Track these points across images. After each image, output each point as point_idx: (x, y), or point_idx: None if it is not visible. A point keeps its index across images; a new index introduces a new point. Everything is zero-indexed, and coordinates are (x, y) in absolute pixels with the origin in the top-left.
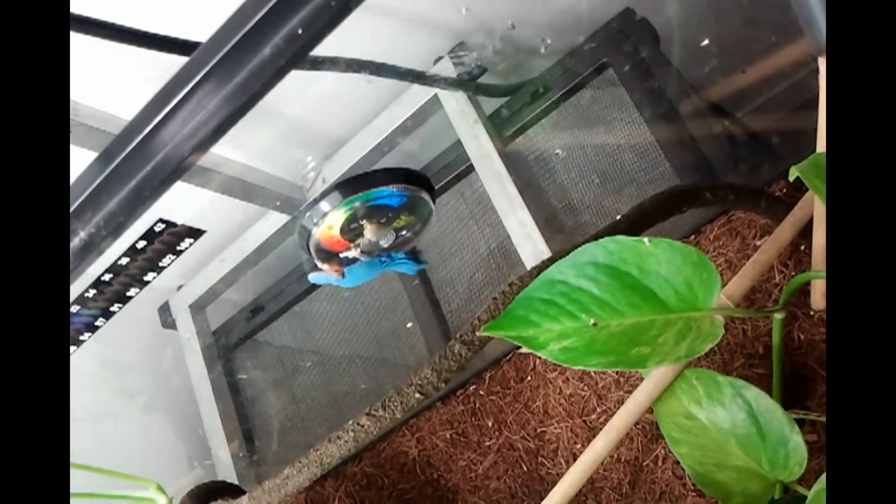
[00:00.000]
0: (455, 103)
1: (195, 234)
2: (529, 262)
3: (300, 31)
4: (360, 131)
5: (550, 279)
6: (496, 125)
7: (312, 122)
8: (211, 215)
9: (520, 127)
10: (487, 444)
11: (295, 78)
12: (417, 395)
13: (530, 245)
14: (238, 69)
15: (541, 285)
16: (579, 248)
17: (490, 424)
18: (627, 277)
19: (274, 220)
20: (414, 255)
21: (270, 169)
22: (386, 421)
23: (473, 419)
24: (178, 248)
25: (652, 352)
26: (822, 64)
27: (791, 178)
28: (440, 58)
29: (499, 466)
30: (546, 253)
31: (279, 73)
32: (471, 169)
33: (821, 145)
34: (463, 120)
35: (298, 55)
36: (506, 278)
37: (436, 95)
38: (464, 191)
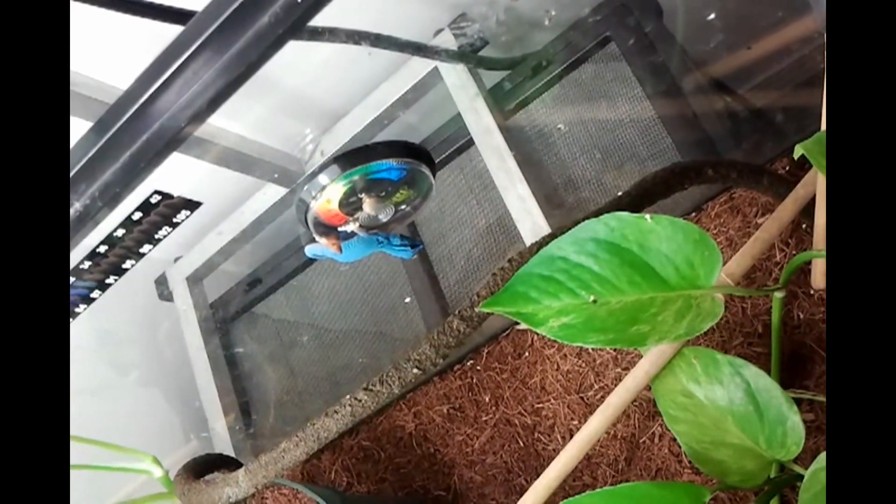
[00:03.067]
0: (455, 76)
1: (192, 206)
2: (529, 237)
3: (299, 0)
4: (359, 104)
5: (550, 255)
6: (497, 99)
7: (311, 94)
8: (208, 187)
9: (521, 101)
10: (484, 419)
11: (293, 48)
12: (415, 370)
13: (529, 220)
14: (235, 38)
15: (541, 261)
16: (580, 225)
17: (487, 400)
18: (628, 254)
19: (272, 193)
20: (410, 241)
21: (268, 141)
22: (383, 396)
23: (470, 394)
24: (175, 220)
25: (651, 330)
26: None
27: (795, 156)
28: (441, 30)
29: (495, 441)
30: (545, 228)
31: (277, 43)
32: (471, 143)
33: (826, 123)
34: (463, 93)
35: (297, 24)
36: (505, 254)
37: (436, 68)
38: (463, 165)
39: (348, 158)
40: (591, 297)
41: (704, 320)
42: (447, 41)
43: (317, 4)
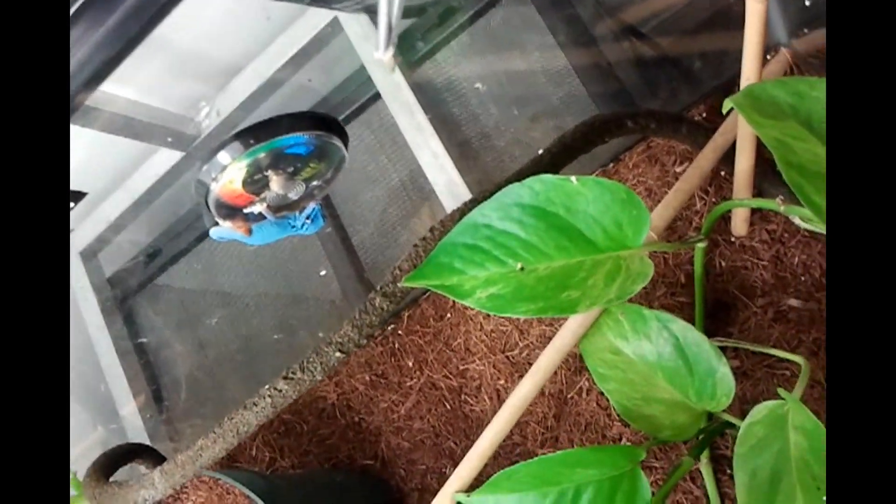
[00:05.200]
0: (358, 26)
1: (76, 197)
2: (444, 194)
3: None
4: (254, 59)
5: (474, 223)
6: (403, 50)
7: (203, 51)
8: (91, 168)
9: (428, 51)
10: (409, 384)
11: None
12: (338, 353)
13: (444, 176)
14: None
15: (464, 230)
16: (503, 189)
17: (411, 365)
18: (554, 218)
19: (165, 158)
20: (312, 211)
21: (159, 103)
22: (305, 384)
23: (393, 360)
24: None
25: (582, 295)
26: None
27: (724, 111)
28: None
29: (421, 406)
30: (461, 185)
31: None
32: (377, 97)
33: (747, 69)
34: (366, 44)
35: None
36: (419, 212)
37: (336, 18)
38: (370, 120)
39: (250, 134)
40: (519, 265)
41: (635, 282)
42: None
43: None
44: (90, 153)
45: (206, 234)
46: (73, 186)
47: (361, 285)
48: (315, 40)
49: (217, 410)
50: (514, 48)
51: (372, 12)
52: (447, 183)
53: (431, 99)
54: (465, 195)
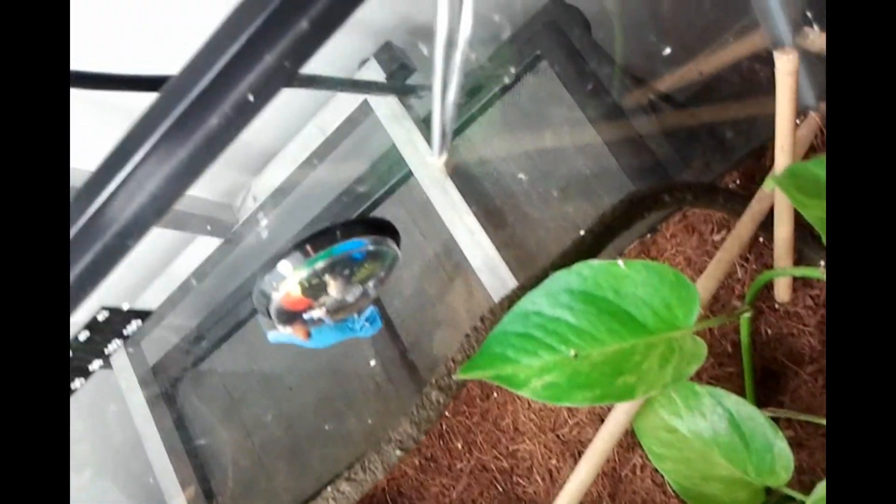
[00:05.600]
0: (386, 107)
1: (142, 315)
2: (481, 269)
3: (252, 99)
4: (288, 143)
5: (524, 311)
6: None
7: (238, 139)
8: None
9: (458, 128)
10: (459, 466)
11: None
12: (398, 451)
13: (480, 251)
14: (184, 141)
15: (515, 318)
16: (551, 276)
17: (460, 446)
18: (603, 302)
19: (205, 245)
20: (370, 314)
21: (197, 192)
22: (367, 484)
23: (441, 442)
24: (125, 332)
25: (638, 380)
26: (777, 58)
27: (767, 189)
28: (366, 60)
29: (473, 489)
30: (497, 259)
31: (227, 142)
32: (409, 175)
33: (780, 136)
34: (396, 124)
35: (245, 122)
36: (457, 288)
37: (366, 100)
38: (403, 199)
39: (310, 244)
40: (572, 352)
41: (690, 363)
42: (374, 71)
43: (265, 101)
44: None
45: (246, 319)
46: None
47: (404, 367)
48: (346, 123)
49: (267, 501)
50: (543, 123)
51: (400, 93)
52: (484, 258)
53: (463, 175)
54: (503, 270)
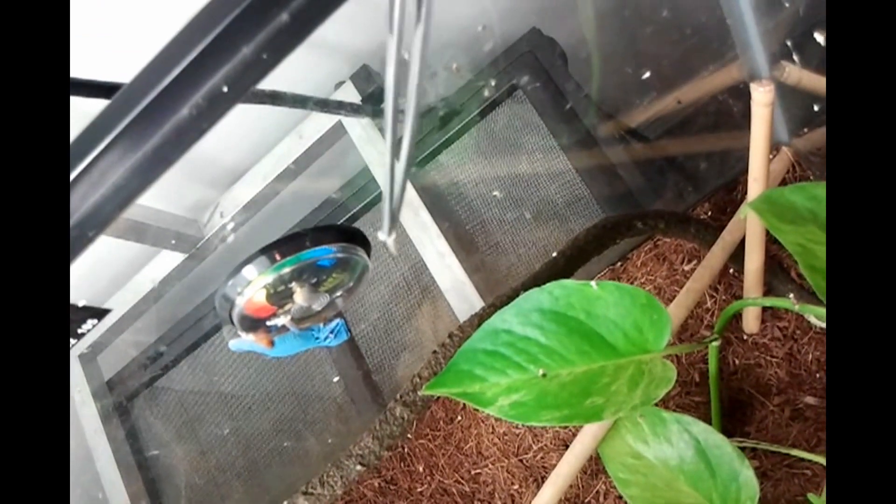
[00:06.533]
0: (360, 129)
1: (99, 314)
2: (449, 292)
3: (225, 90)
4: (258, 161)
5: (494, 329)
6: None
7: (207, 155)
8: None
9: (430, 152)
10: (419, 490)
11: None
12: (358, 466)
13: (449, 274)
14: (150, 133)
15: (484, 336)
16: (522, 295)
17: (421, 469)
18: (574, 323)
19: (169, 259)
20: (336, 326)
21: (164, 206)
22: (325, 499)
23: (403, 465)
24: (80, 330)
25: (607, 402)
26: (754, 90)
27: (742, 216)
28: (342, 82)
29: None
30: (466, 283)
31: (197, 135)
32: (380, 197)
33: (754, 167)
34: (370, 146)
35: (219, 115)
36: (424, 311)
37: (340, 121)
38: (374, 219)
39: (277, 248)
40: (541, 371)
41: (658, 387)
42: (350, 93)
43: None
44: (94, 257)
45: (206, 337)
46: (73, 289)
47: (368, 388)
48: (318, 143)
49: None
50: (517, 150)
51: (374, 116)
52: (453, 282)
53: (435, 199)
54: (472, 294)
